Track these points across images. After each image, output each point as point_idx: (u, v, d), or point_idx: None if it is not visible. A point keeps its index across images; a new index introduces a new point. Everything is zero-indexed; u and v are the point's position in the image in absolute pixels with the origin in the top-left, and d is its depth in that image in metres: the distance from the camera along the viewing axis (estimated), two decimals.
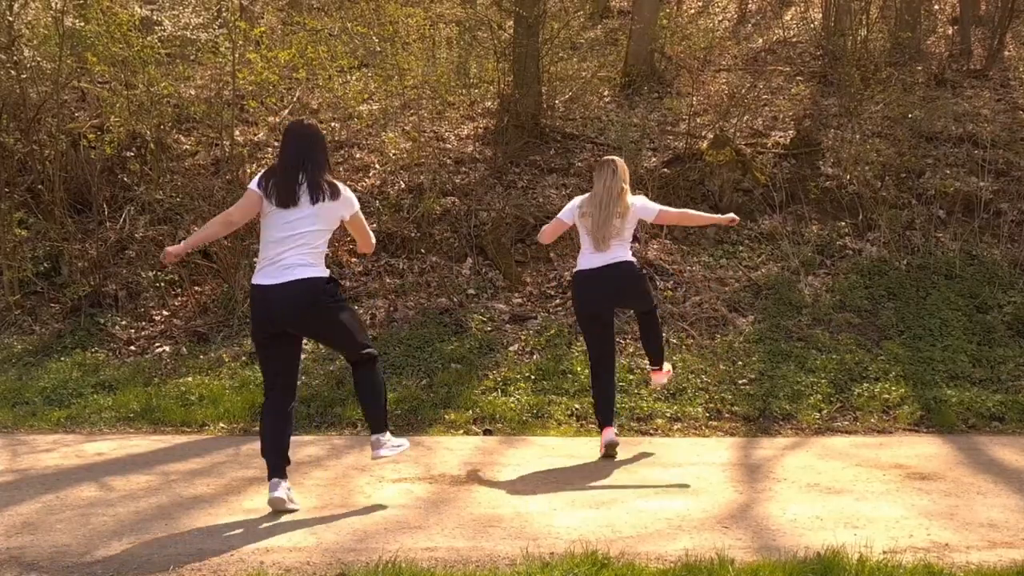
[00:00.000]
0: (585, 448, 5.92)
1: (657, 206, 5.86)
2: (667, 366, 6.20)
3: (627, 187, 5.71)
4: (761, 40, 13.98)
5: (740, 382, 7.07)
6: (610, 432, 5.66)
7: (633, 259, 5.77)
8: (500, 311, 8.04)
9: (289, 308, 4.51)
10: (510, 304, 8.16)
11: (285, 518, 4.51)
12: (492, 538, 4.25)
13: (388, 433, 4.83)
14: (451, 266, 8.57)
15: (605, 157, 5.99)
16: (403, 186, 9.38)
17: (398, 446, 4.85)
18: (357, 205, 4.83)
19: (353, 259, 8.50)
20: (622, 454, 5.77)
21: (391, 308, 8.04)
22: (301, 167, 4.61)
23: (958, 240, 8.83)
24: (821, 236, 8.95)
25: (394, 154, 9.77)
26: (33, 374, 7.27)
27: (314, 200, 4.59)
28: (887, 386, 6.96)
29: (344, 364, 7.24)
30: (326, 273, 4.68)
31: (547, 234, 5.96)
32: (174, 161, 9.23)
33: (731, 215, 6.08)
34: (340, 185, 4.73)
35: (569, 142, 10.31)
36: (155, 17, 9.55)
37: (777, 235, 8.91)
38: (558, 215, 5.92)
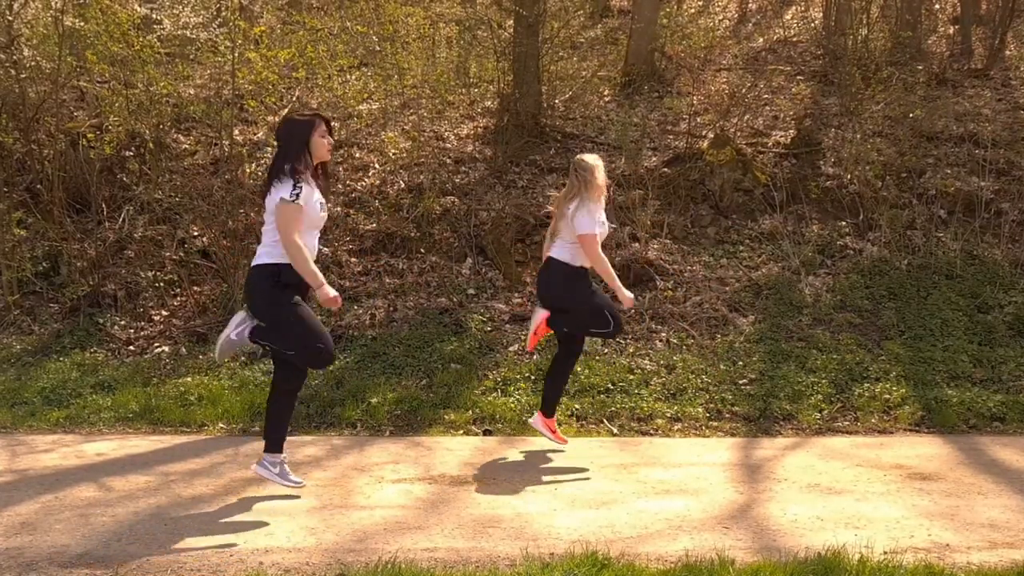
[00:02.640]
0: (586, 448, 5.91)
1: (583, 230, 5.45)
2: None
3: (583, 189, 5.52)
4: (762, 39, 13.98)
5: (740, 382, 7.05)
6: (536, 417, 5.83)
7: (561, 258, 5.58)
8: (500, 311, 8.03)
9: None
10: (510, 304, 8.15)
11: (285, 518, 4.50)
12: (492, 538, 4.24)
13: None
14: (451, 266, 8.56)
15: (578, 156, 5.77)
16: (403, 186, 9.37)
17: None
18: (280, 200, 4.56)
19: (353, 259, 8.49)
20: (623, 454, 5.76)
21: (391, 308, 8.03)
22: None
23: (959, 240, 8.81)
24: (822, 236, 8.94)
25: (394, 154, 9.76)
26: (32, 374, 7.26)
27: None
28: (888, 386, 6.94)
29: (342, 364, 7.24)
30: (265, 260, 4.60)
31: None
32: (173, 161, 9.22)
33: (630, 297, 5.62)
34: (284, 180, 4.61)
35: (569, 142, 10.30)
36: (155, 16, 9.55)
37: (778, 235, 8.90)
38: None
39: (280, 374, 4.80)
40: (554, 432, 5.84)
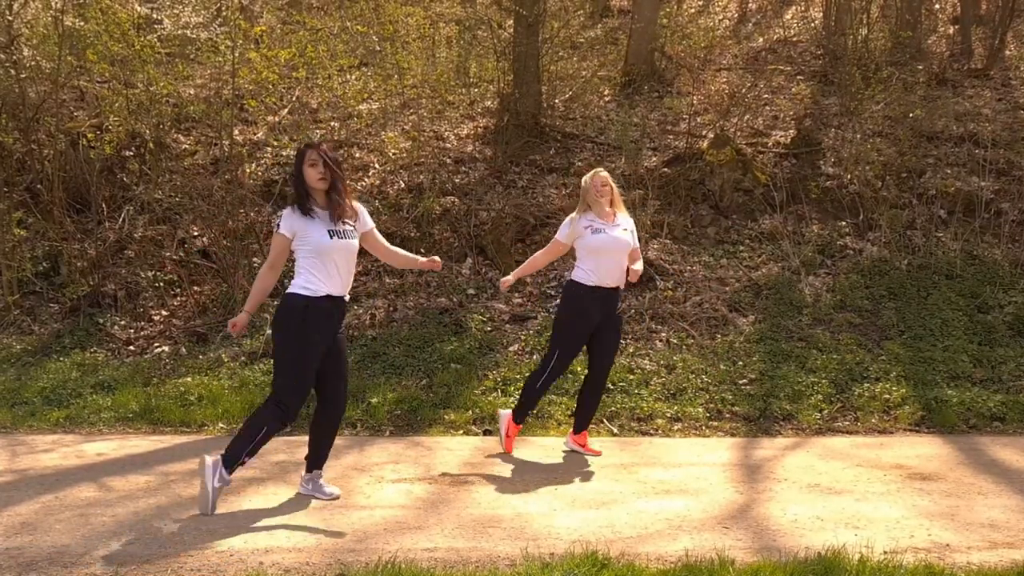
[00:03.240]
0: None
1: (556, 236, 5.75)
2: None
3: (581, 202, 5.68)
4: (762, 39, 13.98)
5: (740, 382, 7.05)
6: (568, 438, 5.92)
7: (571, 278, 5.67)
8: (500, 311, 8.03)
9: None
10: (510, 304, 8.15)
11: (285, 518, 4.49)
12: (492, 538, 4.24)
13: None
14: (451, 266, 8.56)
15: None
16: (403, 186, 9.37)
17: (215, 480, 4.66)
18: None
19: None
20: (623, 454, 5.76)
21: (391, 308, 8.03)
22: None
23: (959, 240, 8.81)
24: (822, 236, 8.94)
25: (394, 153, 9.76)
26: (32, 374, 7.26)
27: None
28: (888, 386, 6.94)
29: None
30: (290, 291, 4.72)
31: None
32: (173, 161, 9.22)
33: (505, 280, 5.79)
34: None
35: (569, 141, 10.30)
36: (155, 16, 9.55)
37: (778, 235, 8.90)
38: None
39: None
40: (584, 446, 5.81)
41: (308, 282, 4.62)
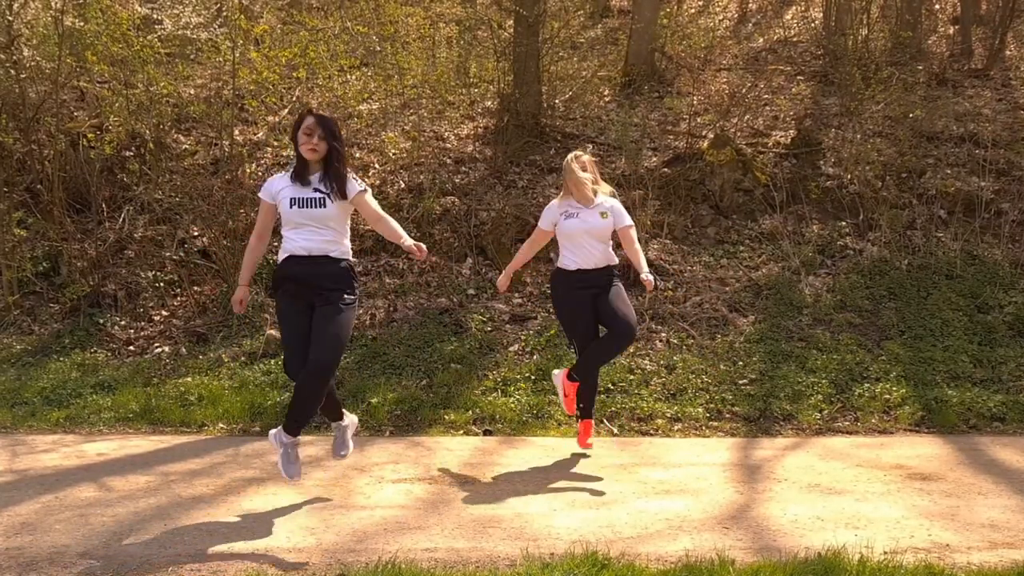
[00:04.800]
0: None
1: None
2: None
3: (564, 186, 5.72)
4: (762, 39, 13.98)
5: (741, 382, 7.05)
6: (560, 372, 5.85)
7: (556, 265, 5.83)
8: (500, 311, 8.03)
9: None
10: (510, 304, 8.15)
11: (285, 518, 4.50)
12: (492, 539, 4.24)
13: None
14: (451, 266, 8.56)
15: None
16: (403, 186, 9.37)
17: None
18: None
19: (353, 259, 8.49)
20: (623, 454, 5.76)
21: (391, 308, 8.03)
22: None
23: (959, 240, 8.81)
24: (822, 236, 8.94)
25: (394, 154, 9.76)
26: (32, 374, 7.26)
27: None
28: (888, 386, 6.94)
29: (343, 365, 7.23)
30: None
31: None
32: (173, 161, 9.22)
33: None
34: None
35: (569, 142, 10.30)
36: (155, 16, 9.55)
37: (778, 235, 8.90)
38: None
39: None
40: (567, 396, 5.70)
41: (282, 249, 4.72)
